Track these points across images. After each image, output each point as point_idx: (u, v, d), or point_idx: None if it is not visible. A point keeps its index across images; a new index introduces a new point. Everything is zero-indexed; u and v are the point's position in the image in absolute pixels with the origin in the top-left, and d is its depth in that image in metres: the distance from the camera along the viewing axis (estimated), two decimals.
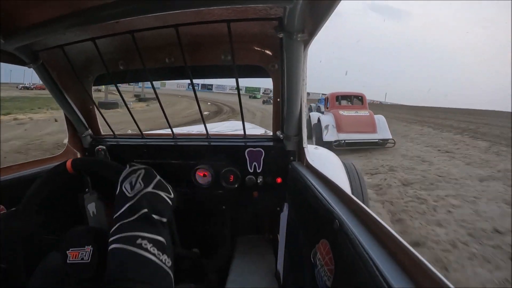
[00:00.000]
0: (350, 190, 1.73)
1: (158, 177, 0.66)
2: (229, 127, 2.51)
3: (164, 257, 0.54)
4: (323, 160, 1.65)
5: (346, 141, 6.17)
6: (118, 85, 1.03)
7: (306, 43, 0.70)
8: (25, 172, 0.92)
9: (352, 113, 6.79)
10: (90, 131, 1.10)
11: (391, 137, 6.46)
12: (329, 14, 0.54)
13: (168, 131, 1.10)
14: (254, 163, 0.98)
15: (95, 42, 0.79)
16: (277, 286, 0.97)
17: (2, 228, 0.65)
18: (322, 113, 7.56)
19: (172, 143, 1.05)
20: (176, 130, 1.07)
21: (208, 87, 58.61)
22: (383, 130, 6.50)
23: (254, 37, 0.84)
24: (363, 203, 0.50)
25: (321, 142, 6.15)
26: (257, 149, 0.97)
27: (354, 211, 0.50)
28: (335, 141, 6.13)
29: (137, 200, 0.58)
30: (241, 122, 1.00)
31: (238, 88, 0.86)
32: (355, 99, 7.64)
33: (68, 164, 0.70)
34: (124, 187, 0.61)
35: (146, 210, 0.57)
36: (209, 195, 1.02)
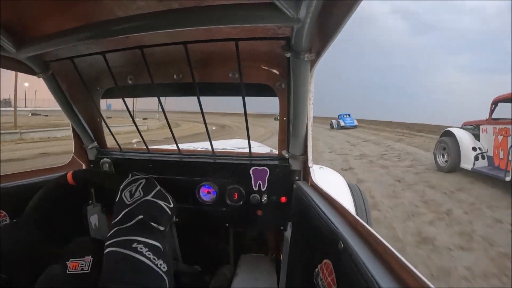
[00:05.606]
0: (355, 211, 1.69)
1: (159, 187, 0.67)
2: (234, 145, 2.51)
3: (159, 262, 0.54)
4: (328, 180, 1.62)
5: None
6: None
7: (313, 62, 0.71)
8: (29, 180, 0.92)
9: None
10: (96, 143, 1.10)
11: None
12: (336, 34, 0.54)
13: (174, 146, 1.10)
14: (259, 181, 0.97)
15: (105, 56, 0.80)
16: None
17: (3, 238, 0.64)
18: None
19: (178, 159, 1.04)
20: (182, 146, 1.07)
21: None
22: None
23: (261, 56, 0.85)
24: (367, 225, 0.49)
25: None
26: (262, 167, 0.96)
27: (359, 232, 0.49)
28: None
29: (135, 207, 0.59)
30: (247, 140, 1.00)
31: (244, 106, 0.87)
32: None
33: (69, 176, 0.71)
34: (124, 195, 0.62)
35: (142, 216, 0.58)
36: (213, 212, 1.01)
